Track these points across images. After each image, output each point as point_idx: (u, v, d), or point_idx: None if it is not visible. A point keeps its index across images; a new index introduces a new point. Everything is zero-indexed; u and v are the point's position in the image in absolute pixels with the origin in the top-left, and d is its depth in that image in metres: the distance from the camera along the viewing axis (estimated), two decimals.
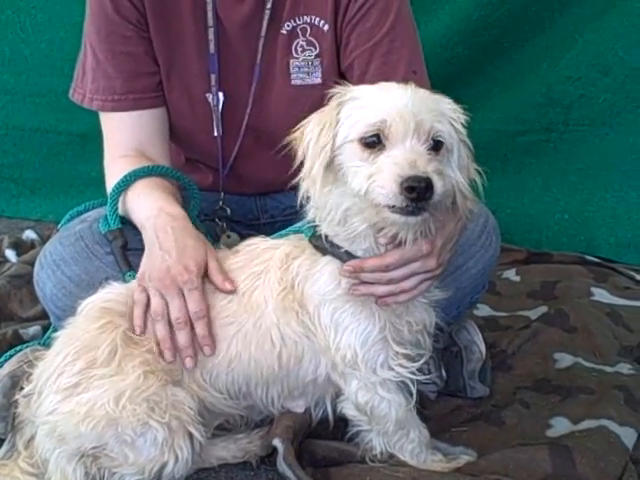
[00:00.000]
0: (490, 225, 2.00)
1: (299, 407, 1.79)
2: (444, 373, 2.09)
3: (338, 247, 1.62)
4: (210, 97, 2.06)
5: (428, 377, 2.05)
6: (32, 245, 3.15)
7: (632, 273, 2.87)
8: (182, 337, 1.68)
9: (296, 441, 1.78)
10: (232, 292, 1.69)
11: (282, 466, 1.72)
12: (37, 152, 3.68)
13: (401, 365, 1.65)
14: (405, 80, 1.86)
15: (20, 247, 3.10)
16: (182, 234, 1.76)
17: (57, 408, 1.62)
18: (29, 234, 3.26)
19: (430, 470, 1.72)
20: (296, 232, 1.75)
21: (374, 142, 1.48)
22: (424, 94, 1.53)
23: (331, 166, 1.54)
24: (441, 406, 2.07)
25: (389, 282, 1.60)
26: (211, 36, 1.99)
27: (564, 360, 2.25)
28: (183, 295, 1.69)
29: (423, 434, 1.76)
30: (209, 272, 1.72)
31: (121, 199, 1.93)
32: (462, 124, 1.56)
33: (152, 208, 1.83)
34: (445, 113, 1.53)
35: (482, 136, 3.16)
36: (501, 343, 2.36)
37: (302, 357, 1.69)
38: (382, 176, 1.44)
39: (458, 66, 3.11)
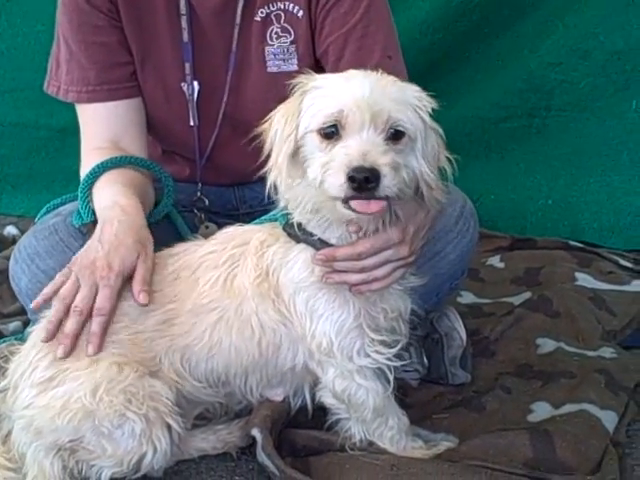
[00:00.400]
0: (467, 211, 1.99)
1: (278, 396, 1.79)
2: (425, 360, 2.10)
3: (311, 235, 1.61)
4: (185, 86, 2.05)
5: (406, 364, 2.06)
6: (13, 241, 3.11)
7: (616, 257, 2.86)
8: (70, 324, 1.66)
9: (275, 431, 1.77)
10: (144, 305, 1.67)
11: (261, 456, 1.72)
12: (17, 147, 3.66)
13: (377, 352, 1.65)
14: (380, 65, 1.86)
15: (1, 243, 3.09)
16: (124, 230, 1.75)
17: (33, 402, 1.61)
18: (10, 230, 3.26)
19: (409, 457, 1.72)
20: (271, 220, 1.74)
21: (332, 132, 1.48)
22: (388, 83, 1.52)
23: (297, 157, 1.54)
24: (423, 393, 2.07)
25: (362, 270, 1.59)
26: (184, 24, 1.98)
27: (546, 345, 2.25)
28: (95, 289, 1.68)
29: (402, 421, 1.76)
30: (133, 278, 1.71)
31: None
32: (429, 112, 1.55)
33: (108, 200, 1.82)
34: (409, 101, 1.52)
35: (464, 123, 3.18)
36: (484, 330, 2.36)
37: (280, 345, 1.68)
38: (333, 165, 1.44)
39: (439, 53, 3.10)
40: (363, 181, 1.39)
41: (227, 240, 1.73)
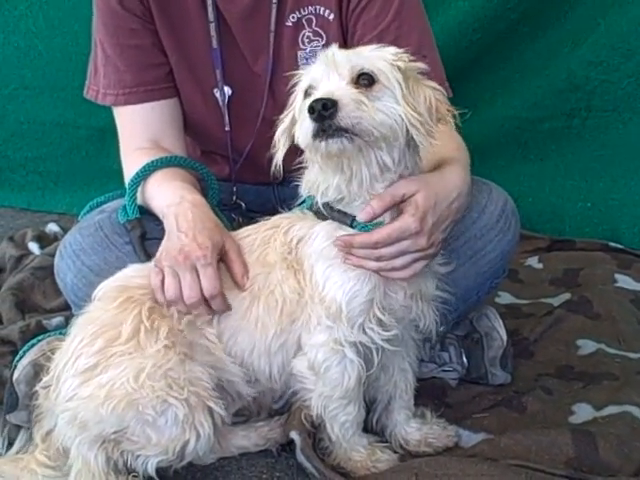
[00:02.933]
0: (509, 209, 1.98)
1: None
2: (465, 360, 2.09)
3: (337, 211, 1.64)
4: (217, 92, 2.07)
5: (445, 363, 2.07)
6: (55, 238, 3.17)
7: None
8: (202, 314, 1.69)
9: (313, 432, 1.77)
10: (245, 290, 1.70)
11: (300, 458, 1.73)
12: (58, 146, 3.72)
13: (372, 330, 1.65)
14: None
15: (43, 240, 3.13)
16: (202, 218, 1.76)
17: (76, 393, 1.62)
18: (52, 227, 3.30)
19: (447, 458, 1.71)
20: (300, 208, 1.77)
21: (310, 92, 1.55)
22: (362, 47, 1.61)
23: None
24: (462, 393, 2.06)
25: (379, 259, 1.59)
26: (213, 32, 2.00)
27: (587, 346, 2.23)
28: (197, 272, 1.68)
29: (360, 413, 1.75)
30: (229, 260, 1.71)
31: (140, 189, 1.94)
32: (406, 67, 1.58)
33: (174, 196, 1.83)
34: (383, 56, 1.57)
35: (503, 123, 3.17)
36: (523, 330, 2.34)
37: (296, 317, 1.69)
38: (303, 108, 1.52)
39: (477, 52, 3.07)
40: (321, 109, 1.43)
41: (260, 225, 1.78)
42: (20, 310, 2.54)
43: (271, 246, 1.72)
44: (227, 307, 1.69)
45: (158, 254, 1.74)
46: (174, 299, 1.68)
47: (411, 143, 1.59)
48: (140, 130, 2.03)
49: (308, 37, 2.01)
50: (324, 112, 1.43)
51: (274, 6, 1.96)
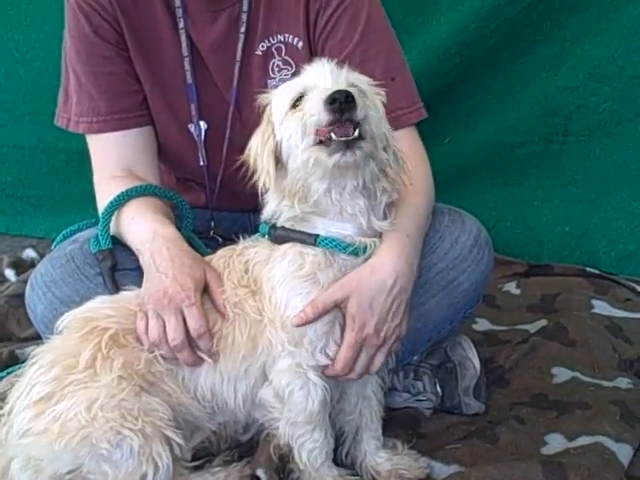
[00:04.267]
0: (482, 239, 1.98)
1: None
2: (439, 390, 2.09)
3: (300, 232, 1.65)
4: (192, 127, 2.07)
5: (419, 393, 2.06)
6: (32, 264, 3.14)
7: (633, 285, 2.84)
8: (182, 357, 1.68)
9: (280, 469, 1.77)
10: (226, 318, 1.70)
11: None
12: (38, 170, 3.70)
13: (335, 352, 1.68)
14: (383, 88, 1.90)
15: (20, 266, 3.12)
16: (178, 254, 1.76)
17: (30, 427, 1.58)
18: (29, 253, 3.28)
19: None
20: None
21: (299, 101, 1.56)
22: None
23: (280, 160, 1.63)
24: (436, 423, 2.05)
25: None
26: (187, 66, 2.00)
27: (562, 374, 2.23)
28: (182, 314, 1.68)
29: (328, 442, 1.75)
30: (211, 291, 1.72)
31: (114, 219, 1.93)
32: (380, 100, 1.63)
33: (147, 231, 1.82)
34: (361, 87, 1.59)
35: (481, 148, 3.18)
36: (499, 358, 2.35)
37: (258, 342, 1.69)
38: (310, 104, 1.51)
39: (455, 78, 3.10)
40: (344, 100, 1.45)
41: (220, 252, 1.81)
42: None
43: (231, 268, 1.73)
44: (212, 347, 1.68)
45: (141, 297, 1.72)
46: (157, 342, 1.67)
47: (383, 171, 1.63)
48: (114, 158, 2.02)
49: (278, 66, 2.01)
50: (346, 103, 1.45)
51: (242, 36, 1.97)
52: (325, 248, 1.64)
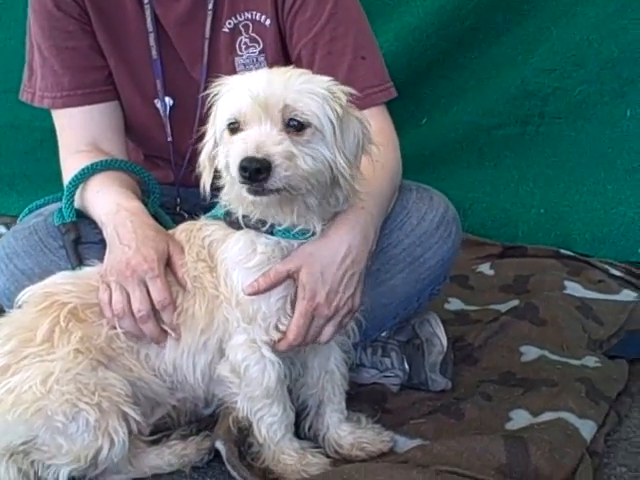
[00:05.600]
0: (449, 216, 1.98)
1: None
2: (406, 366, 2.09)
3: (256, 220, 1.64)
4: (158, 103, 2.06)
5: (387, 369, 2.07)
6: None
7: (607, 267, 2.85)
8: (147, 329, 1.68)
9: (240, 441, 1.77)
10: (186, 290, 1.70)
11: (228, 467, 1.71)
12: (13, 148, 3.70)
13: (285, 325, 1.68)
14: (353, 67, 1.90)
15: None
16: (142, 227, 1.76)
17: None
18: (0, 230, 3.27)
19: (377, 463, 1.71)
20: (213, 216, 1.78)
21: (236, 127, 1.53)
22: (292, 76, 1.54)
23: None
24: (402, 399, 2.05)
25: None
26: (152, 42, 1.99)
27: (530, 353, 2.24)
28: (145, 286, 1.68)
29: (287, 415, 1.75)
30: (173, 263, 1.72)
31: (78, 193, 1.92)
32: (341, 102, 1.55)
33: (111, 204, 1.82)
34: (316, 92, 1.53)
35: (457, 130, 3.18)
36: (468, 336, 2.34)
37: (214, 317, 1.69)
38: (233, 153, 1.49)
39: (432, 58, 3.10)
40: (254, 172, 1.43)
41: (182, 226, 1.81)
42: None
43: (191, 242, 1.74)
44: (174, 320, 1.69)
45: (103, 270, 1.72)
46: (122, 314, 1.67)
47: (335, 181, 1.59)
48: (79, 133, 2.01)
49: (245, 43, 2.00)
50: (257, 176, 1.43)
51: (209, 13, 1.95)
52: (281, 238, 1.64)
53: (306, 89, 1.52)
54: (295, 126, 1.50)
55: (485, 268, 2.89)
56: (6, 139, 3.69)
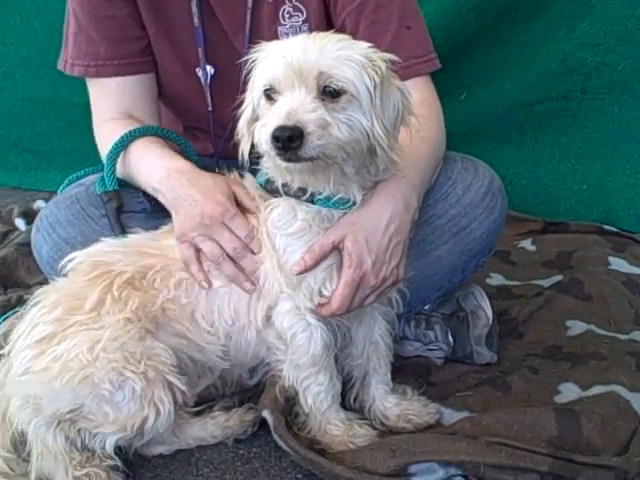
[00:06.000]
0: (495, 187, 1.94)
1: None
2: (451, 339, 2.06)
3: (297, 188, 1.61)
4: (199, 72, 2.04)
5: (431, 342, 2.04)
6: None
7: None
8: (247, 263, 1.68)
9: (287, 410, 1.76)
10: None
11: (274, 436, 1.70)
12: (53, 124, 3.71)
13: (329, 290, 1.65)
14: (397, 36, 1.86)
15: (30, 216, 3.10)
16: (198, 179, 1.75)
17: (30, 366, 1.58)
18: (40, 204, 3.27)
19: (426, 435, 1.69)
20: None
21: (272, 94, 1.50)
22: (329, 42, 1.50)
23: None
24: (447, 372, 2.03)
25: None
26: (194, 9, 1.96)
27: (576, 327, 2.20)
28: (228, 227, 1.68)
29: (334, 384, 1.74)
30: (239, 199, 1.72)
31: (120, 161, 1.91)
32: (380, 72, 1.51)
33: (160, 169, 1.81)
34: (353, 59, 1.49)
35: (497, 105, 3.13)
36: (512, 311, 2.31)
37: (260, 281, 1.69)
38: (266, 126, 1.46)
39: (472, 33, 3.03)
40: (286, 140, 1.41)
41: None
42: (2, 285, 2.53)
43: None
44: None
45: (179, 231, 1.71)
46: (221, 259, 1.68)
47: (373, 151, 1.55)
48: (112, 101, 2.00)
49: (288, 12, 1.96)
50: (289, 144, 1.41)
51: None
52: (321, 206, 1.62)
53: (343, 55, 1.49)
54: (331, 93, 1.47)
55: (527, 244, 2.84)
56: (46, 115, 3.71)
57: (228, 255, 1.68)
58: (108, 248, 1.73)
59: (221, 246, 1.68)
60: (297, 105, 1.44)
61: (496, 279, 2.57)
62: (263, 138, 1.47)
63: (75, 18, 1.98)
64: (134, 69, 2.00)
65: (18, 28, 3.62)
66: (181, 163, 1.81)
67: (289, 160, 1.46)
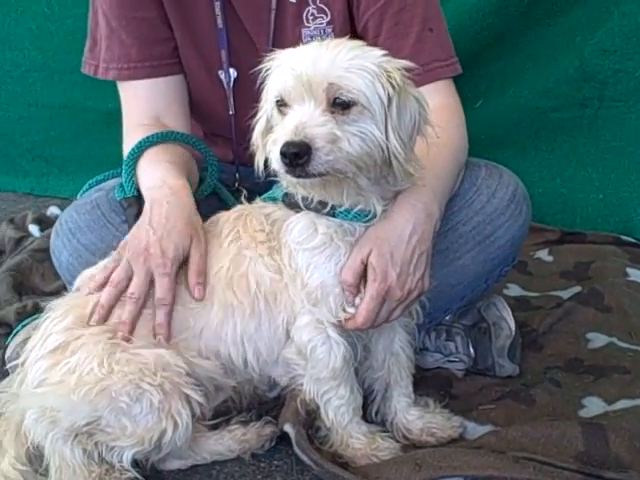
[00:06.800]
0: (520, 194, 1.93)
1: (279, 376, 1.73)
2: (472, 350, 2.03)
3: (318, 202, 1.59)
4: (222, 74, 2.01)
5: (451, 354, 2.01)
6: (56, 220, 3.11)
7: None
8: (129, 312, 1.63)
9: (308, 422, 1.73)
10: (199, 300, 1.65)
11: (296, 450, 1.67)
12: (66, 129, 3.70)
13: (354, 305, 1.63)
14: (420, 38, 1.84)
15: (44, 222, 3.10)
16: (175, 212, 1.71)
17: (46, 378, 1.55)
18: (53, 210, 3.26)
19: (452, 450, 1.64)
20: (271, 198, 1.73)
21: (284, 105, 1.48)
22: (342, 51, 1.46)
23: None
24: (468, 384, 2.00)
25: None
26: (218, 10, 1.94)
27: (597, 340, 2.17)
28: (151, 277, 1.65)
29: (355, 398, 1.70)
30: (189, 267, 1.67)
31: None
32: (395, 82, 1.47)
33: (156, 179, 1.79)
34: (367, 68, 1.45)
35: (513, 112, 3.10)
36: (532, 322, 2.28)
37: (275, 296, 1.65)
38: (276, 143, 1.44)
39: (489, 39, 3.00)
40: (293, 157, 1.38)
41: (239, 207, 1.76)
42: (17, 292, 2.51)
43: (247, 225, 1.68)
44: (168, 323, 1.64)
45: (124, 242, 1.70)
46: (115, 284, 1.64)
47: (388, 162, 1.52)
48: (143, 106, 1.98)
49: (312, 14, 1.94)
50: (297, 160, 1.39)
51: None
52: (342, 220, 1.59)
53: (355, 65, 1.45)
54: (341, 105, 1.44)
55: (543, 254, 2.81)
56: (59, 120, 3.69)
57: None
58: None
59: (128, 282, 1.64)
60: (306, 119, 1.42)
61: (514, 290, 2.54)
62: (273, 156, 1.44)
63: (106, 21, 1.96)
64: (166, 70, 1.98)
65: (34, 32, 3.60)
66: (178, 182, 1.78)
67: (298, 176, 1.43)
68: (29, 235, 3.00)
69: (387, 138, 1.47)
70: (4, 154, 3.87)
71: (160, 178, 1.78)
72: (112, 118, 3.29)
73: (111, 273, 1.66)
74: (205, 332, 1.66)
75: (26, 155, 3.84)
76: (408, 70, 1.52)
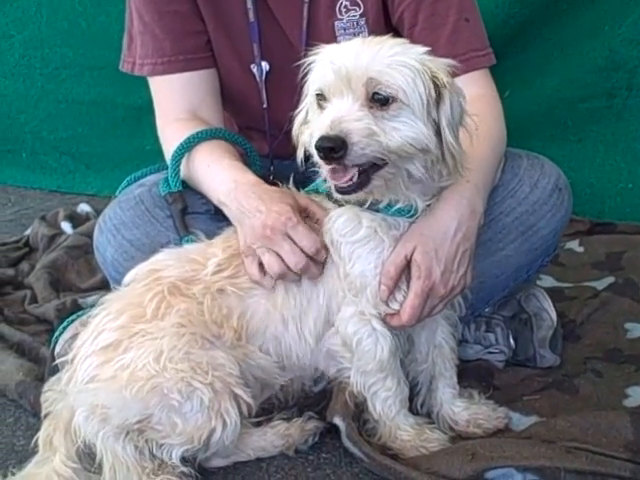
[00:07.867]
0: (562, 183, 1.92)
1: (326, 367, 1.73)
2: (512, 342, 2.02)
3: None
4: (255, 68, 2.01)
5: (492, 345, 2.01)
6: (87, 218, 3.16)
7: None
8: (311, 274, 1.64)
9: (357, 416, 1.73)
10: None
11: (347, 443, 1.68)
12: (94, 126, 3.72)
13: (394, 300, 1.63)
14: (456, 29, 1.83)
15: (75, 219, 3.11)
16: (265, 192, 1.70)
17: (96, 374, 1.55)
18: (83, 207, 3.27)
19: (502, 440, 1.65)
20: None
21: (324, 100, 1.48)
22: (384, 47, 1.46)
23: None
24: (510, 375, 1.99)
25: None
26: (249, 4, 1.93)
27: (636, 330, 2.16)
28: (291, 238, 1.63)
29: (402, 390, 1.71)
30: (309, 209, 1.67)
31: (184, 163, 1.88)
32: (440, 80, 1.47)
33: (227, 181, 1.76)
34: (408, 64, 1.45)
35: (541, 102, 3.08)
36: (568, 313, 2.27)
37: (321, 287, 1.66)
38: (313, 135, 1.45)
39: (515, 28, 2.99)
40: (327, 151, 1.38)
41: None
42: (54, 289, 2.52)
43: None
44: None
45: (242, 245, 1.67)
46: (282, 272, 1.62)
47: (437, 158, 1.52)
48: (178, 100, 1.97)
49: (345, 7, 1.93)
50: (331, 155, 1.39)
51: None
52: (385, 214, 1.59)
53: (396, 61, 1.45)
54: (380, 100, 1.44)
55: (574, 245, 2.80)
56: (88, 116, 3.72)
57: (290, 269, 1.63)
58: (163, 256, 1.70)
59: (283, 259, 1.62)
60: (343, 113, 1.42)
61: (547, 281, 2.53)
62: (312, 148, 1.44)
63: (139, 17, 1.96)
64: (199, 64, 1.98)
65: (65, 29, 3.62)
66: (249, 177, 1.77)
67: (334, 171, 1.43)
68: (62, 232, 3.01)
69: (441, 135, 1.47)
70: (32, 152, 3.90)
71: (231, 179, 1.76)
72: (141, 113, 3.35)
73: (257, 271, 1.65)
74: (271, 319, 1.67)
75: (53, 152, 3.86)
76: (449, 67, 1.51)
